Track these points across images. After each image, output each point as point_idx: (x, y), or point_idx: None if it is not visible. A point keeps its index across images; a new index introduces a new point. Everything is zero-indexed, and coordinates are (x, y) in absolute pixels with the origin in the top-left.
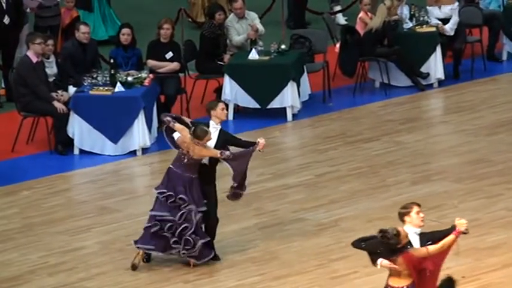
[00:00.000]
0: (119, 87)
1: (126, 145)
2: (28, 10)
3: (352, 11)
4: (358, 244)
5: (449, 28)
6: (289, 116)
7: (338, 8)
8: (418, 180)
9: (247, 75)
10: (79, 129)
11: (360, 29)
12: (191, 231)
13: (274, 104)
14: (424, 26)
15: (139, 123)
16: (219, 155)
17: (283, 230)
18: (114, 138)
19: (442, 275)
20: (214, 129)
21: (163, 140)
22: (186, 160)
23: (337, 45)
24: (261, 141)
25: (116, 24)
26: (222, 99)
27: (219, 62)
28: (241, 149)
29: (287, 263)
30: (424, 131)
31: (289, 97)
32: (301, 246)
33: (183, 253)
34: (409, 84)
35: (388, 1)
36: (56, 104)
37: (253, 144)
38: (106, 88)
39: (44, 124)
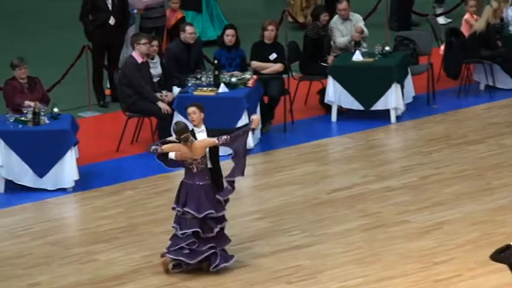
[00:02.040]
0: (222, 88)
1: None
2: (134, 11)
3: (457, 13)
4: (497, 256)
5: None
6: (393, 118)
7: (441, 9)
8: None
9: (351, 77)
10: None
11: (465, 30)
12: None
13: (378, 105)
14: None
15: (243, 124)
16: (217, 141)
17: (387, 232)
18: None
19: None
20: (200, 133)
21: (266, 141)
22: (195, 169)
23: (442, 47)
24: (254, 117)
25: (224, 24)
26: (326, 100)
27: (322, 64)
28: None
29: (390, 265)
30: None
31: (393, 99)
32: (405, 248)
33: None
34: None
35: (495, 3)
36: (160, 104)
37: (246, 125)
38: (210, 89)
39: (149, 124)
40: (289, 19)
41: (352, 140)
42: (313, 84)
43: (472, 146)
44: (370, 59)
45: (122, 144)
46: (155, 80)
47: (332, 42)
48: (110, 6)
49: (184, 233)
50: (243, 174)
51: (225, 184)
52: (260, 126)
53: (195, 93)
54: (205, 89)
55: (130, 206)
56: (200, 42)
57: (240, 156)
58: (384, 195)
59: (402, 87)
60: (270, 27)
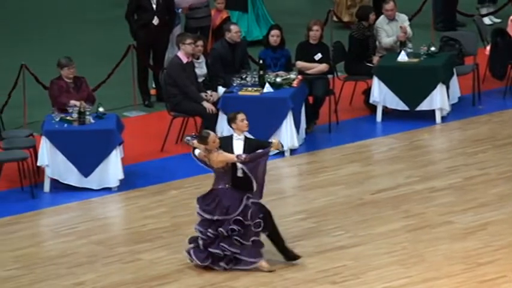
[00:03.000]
0: (267, 88)
1: None
2: (179, 11)
3: (504, 13)
4: None
5: None
6: (438, 119)
7: (485, 10)
8: None
9: (396, 77)
10: (228, 130)
11: (511, 31)
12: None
13: (423, 106)
14: None
15: (288, 124)
16: (235, 159)
17: (431, 232)
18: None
19: None
20: (238, 140)
21: (311, 141)
22: (215, 174)
23: (488, 48)
24: (275, 140)
25: (270, 24)
26: (371, 101)
27: (367, 64)
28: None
29: (435, 266)
30: None
31: (438, 99)
32: (449, 249)
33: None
34: None
35: None
36: (205, 104)
37: (267, 145)
38: (255, 89)
39: (193, 124)
40: (334, 19)
41: (396, 141)
42: (358, 85)
43: None
44: (416, 60)
45: (166, 144)
46: (200, 80)
47: (377, 43)
48: (154, 6)
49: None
50: (260, 198)
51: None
52: (305, 126)
53: (240, 93)
54: (250, 89)
55: (174, 206)
56: (245, 42)
57: (259, 178)
58: (428, 196)
59: (447, 88)
60: (315, 27)
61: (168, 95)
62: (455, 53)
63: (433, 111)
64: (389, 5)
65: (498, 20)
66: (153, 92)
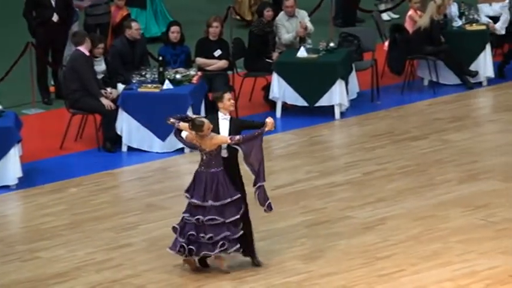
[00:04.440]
0: (167, 85)
1: (174, 142)
2: (77, 9)
3: (403, 9)
4: None
5: (500, 27)
6: (337, 114)
7: (383, 6)
8: (466, 179)
9: (295, 73)
10: (127, 127)
11: (409, 27)
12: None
13: (322, 102)
14: (474, 24)
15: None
16: (229, 141)
17: (330, 227)
18: (162, 136)
19: (489, 273)
20: (224, 120)
21: None
22: (204, 157)
23: (386, 43)
24: (269, 120)
25: (168, 20)
26: (270, 97)
27: (267, 60)
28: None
29: (334, 261)
30: (472, 129)
31: (337, 95)
32: (348, 244)
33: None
34: (457, 82)
35: None
36: (104, 101)
37: (261, 125)
38: (154, 85)
39: (93, 121)
40: (235, 16)
41: (296, 136)
42: (258, 81)
43: (415, 141)
44: (315, 55)
45: (65, 141)
46: (99, 76)
47: (277, 39)
48: (53, 3)
49: (188, 219)
50: (264, 180)
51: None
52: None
53: (140, 90)
54: (149, 85)
55: (74, 203)
56: (145, 39)
57: (257, 160)
58: (327, 191)
59: (346, 84)
60: (214, 24)
61: (68, 92)
62: (353, 49)
63: (332, 107)
64: (289, 2)
65: (396, 16)
66: (52, 89)
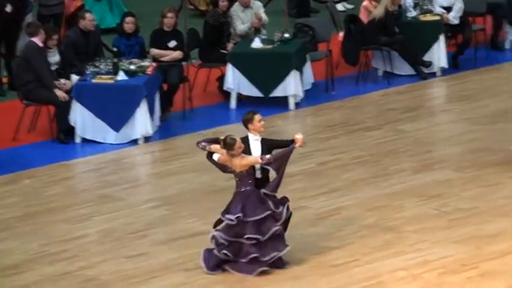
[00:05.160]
0: (121, 76)
1: (128, 134)
2: None
3: (356, 0)
4: None
5: (453, 17)
6: (292, 105)
7: None
8: (420, 168)
9: (250, 64)
10: (81, 118)
11: (363, 17)
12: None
13: (277, 92)
14: (428, 14)
15: (142, 112)
16: (260, 161)
17: None
18: (116, 127)
19: (442, 262)
20: (255, 141)
21: (165, 128)
22: (237, 178)
23: (341, 34)
24: (299, 137)
25: (123, 11)
26: (225, 87)
27: (222, 51)
28: (279, 151)
29: (288, 251)
30: (426, 119)
31: (291, 86)
32: (302, 234)
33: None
34: (411, 73)
35: None
36: (58, 92)
37: (291, 142)
38: (108, 76)
39: (46, 113)
40: (190, 6)
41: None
42: (213, 72)
43: (369, 132)
44: (270, 46)
45: (18, 132)
46: (53, 68)
47: (232, 30)
48: None
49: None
50: (275, 191)
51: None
52: (159, 114)
53: (94, 81)
54: (104, 76)
55: (27, 195)
56: (99, 30)
57: (279, 172)
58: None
59: (301, 74)
60: (169, 15)
61: (21, 83)
62: (308, 40)
63: (286, 98)
64: None
65: (351, 7)
66: (5, 80)
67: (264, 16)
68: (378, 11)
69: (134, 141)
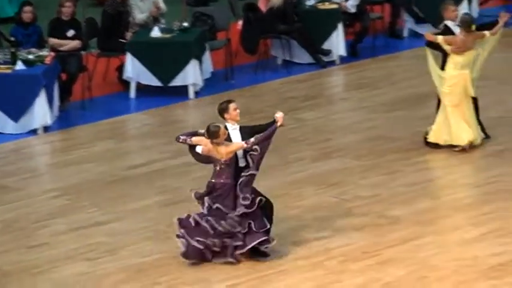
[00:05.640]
0: (19, 65)
1: (27, 123)
2: None
3: None
4: None
5: (350, 5)
6: (191, 94)
7: None
8: (319, 157)
9: (149, 53)
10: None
11: (262, 6)
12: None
13: (177, 81)
14: (326, 3)
15: (41, 101)
16: (245, 146)
17: (186, 207)
18: (15, 117)
19: (343, 250)
20: (234, 130)
21: (64, 118)
22: (218, 167)
23: (239, 23)
24: (279, 115)
25: (21, 0)
26: (124, 77)
27: (121, 40)
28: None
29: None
30: (325, 108)
31: (191, 75)
32: None
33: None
34: (310, 61)
35: None
36: None
37: (272, 123)
38: (6, 66)
39: None
40: None
41: (150, 117)
42: (112, 61)
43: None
44: (168, 35)
45: None
46: None
47: (131, 19)
48: None
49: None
50: (257, 170)
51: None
52: (58, 104)
53: None
54: (2, 66)
55: None
56: None
57: (262, 153)
58: (182, 170)
59: (200, 63)
60: (67, 4)
61: None
62: (207, 28)
63: (186, 87)
64: None
65: None
66: None
67: (162, 5)
68: (277, 0)
69: (33, 131)
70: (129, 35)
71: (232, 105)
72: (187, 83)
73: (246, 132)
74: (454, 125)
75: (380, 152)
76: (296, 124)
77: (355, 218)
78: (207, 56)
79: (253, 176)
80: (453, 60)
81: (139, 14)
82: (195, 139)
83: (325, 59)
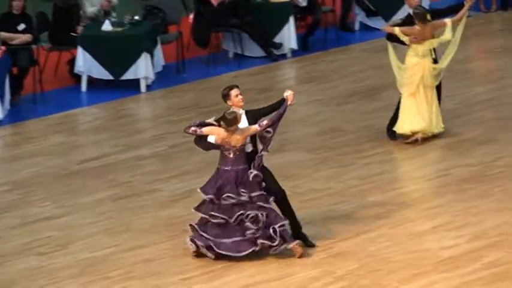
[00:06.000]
0: None
1: None
2: None
3: None
4: None
5: None
6: (143, 87)
7: None
8: (272, 150)
9: (100, 47)
10: None
11: None
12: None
13: (128, 75)
14: None
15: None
16: (259, 128)
17: (137, 201)
18: None
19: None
20: (242, 115)
21: (15, 112)
22: (232, 154)
23: (191, 16)
24: (288, 94)
25: None
26: (76, 71)
27: (72, 34)
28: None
29: (140, 234)
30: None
31: (142, 68)
32: (155, 217)
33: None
34: (262, 54)
35: None
36: None
37: (282, 102)
38: None
39: None
40: None
41: (102, 110)
42: (63, 55)
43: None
44: (120, 29)
45: None
46: None
47: (82, 12)
48: None
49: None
50: (267, 151)
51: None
52: (9, 98)
53: None
54: None
55: None
56: None
57: (273, 134)
58: (134, 164)
59: (152, 57)
60: None
61: None
62: (158, 22)
63: (137, 80)
64: None
65: None
66: None
67: None
68: None
69: None
70: (80, 28)
71: (233, 92)
72: (139, 76)
73: (252, 116)
74: (403, 113)
75: (333, 145)
76: None
77: (309, 211)
78: (158, 50)
79: (262, 156)
80: (413, 49)
81: (90, 8)
82: (206, 129)
83: (277, 52)
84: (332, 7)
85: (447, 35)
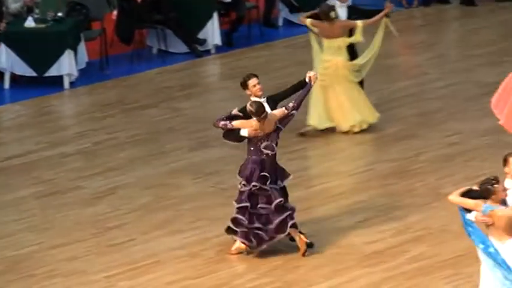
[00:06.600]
0: None
1: None
2: None
3: None
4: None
5: None
6: (66, 84)
7: None
8: (196, 146)
9: (23, 43)
10: None
11: None
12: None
13: (51, 72)
14: None
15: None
16: (286, 111)
17: (61, 198)
18: None
19: (221, 239)
20: (264, 103)
21: None
22: (263, 144)
23: (114, 12)
24: (311, 74)
25: None
26: None
27: None
28: (298, 94)
29: (64, 232)
30: (202, 97)
31: (66, 65)
32: (79, 214)
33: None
34: (186, 50)
35: None
36: None
37: (304, 83)
38: None
39: None
40: None
41: (25, 107)
42: None
43: (145, 110)
44: (43, 25)
45: None
46: None
47: (4, 8)
48: None
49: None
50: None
51: None
52: None
53: None
54: None
55: None
56: None
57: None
58: (57, 161)
59: (75, 53)
60: None
61: None
62: (82, 18)
63: (61, 77)
64: None
65: None
66: None
67: None
68: None
69: None
70: (2, 25)
71: (251, 82)
72: (62, 73)
73: (273, 101)
74: (311, 104)
75: None
76: (173, 114)
77: (231, 208)
78: (81, 46)
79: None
80: (325, 44)
81: (13, 4)
82: (236, 123)
83: (201, 48)
84: (256, 3)
85: (357, 36)
